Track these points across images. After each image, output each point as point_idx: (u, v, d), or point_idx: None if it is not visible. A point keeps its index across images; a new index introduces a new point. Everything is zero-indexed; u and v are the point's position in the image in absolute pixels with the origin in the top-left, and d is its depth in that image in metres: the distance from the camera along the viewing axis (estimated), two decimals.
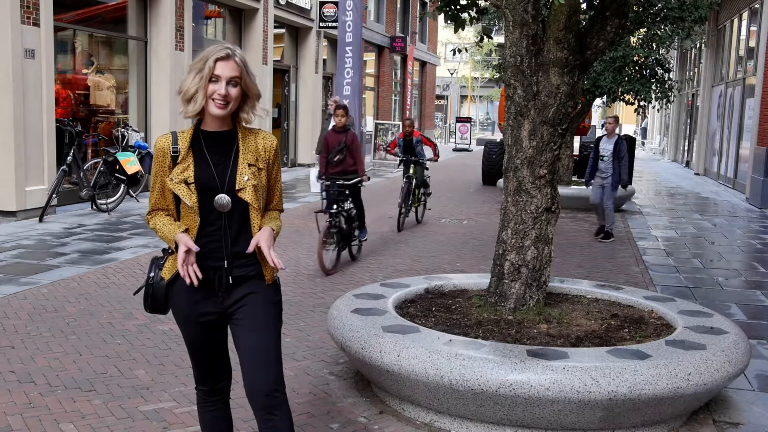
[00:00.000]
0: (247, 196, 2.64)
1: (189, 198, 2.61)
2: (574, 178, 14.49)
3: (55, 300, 5.88)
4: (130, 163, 10.47)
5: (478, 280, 5.21)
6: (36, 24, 9.66)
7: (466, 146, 30.70)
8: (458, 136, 31.13)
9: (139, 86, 12.76)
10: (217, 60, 2.57)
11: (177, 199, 2.68)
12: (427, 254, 8.29)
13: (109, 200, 10.56)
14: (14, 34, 9.25)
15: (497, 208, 11.74)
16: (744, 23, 17.01)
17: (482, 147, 19.85)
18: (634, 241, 9.60)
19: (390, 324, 4.03)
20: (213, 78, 2.57)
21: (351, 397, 4.15)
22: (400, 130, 20.64)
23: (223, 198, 2.61)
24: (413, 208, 10.50)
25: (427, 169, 10.79)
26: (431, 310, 4.59)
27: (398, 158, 10.50)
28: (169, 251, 2.76)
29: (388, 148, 10.90)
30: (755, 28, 15.44)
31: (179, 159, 2.64)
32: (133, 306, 5.78)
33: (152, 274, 2.75)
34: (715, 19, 19.65)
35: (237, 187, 2.63)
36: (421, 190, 10.67)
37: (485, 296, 4.77)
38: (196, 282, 2.58)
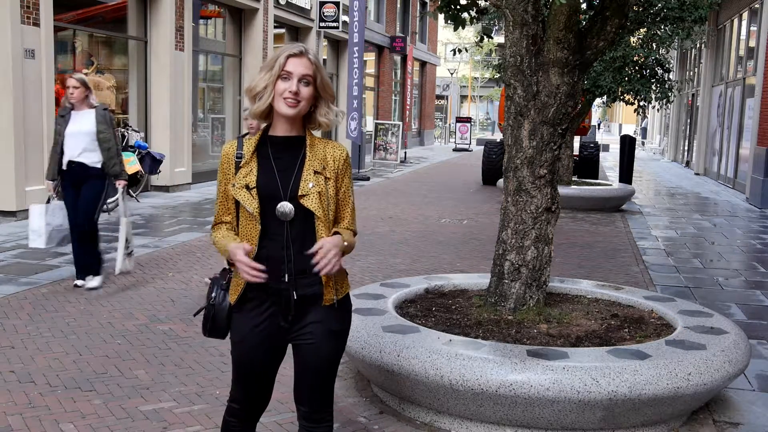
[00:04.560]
0: (311, 203, 2.44)
1: (250, 204, 2.46)
2: (574, 178, 14.50)
3: (55, 300, 5.88)
4: (130, 163, 10.47)
5: (478, 280, 5.21)
6: (36, 24, 9.66)
7: (466, 146, 30.70)
8: (458, 136, 31.13)
9: (139, 86, 12.76)
10: (288, 57, 2.42)
11: (239, 210, 2.53)
12: (427, 254, 8.29)
13: (109, 200, 10.55)
14: (14, 34, 9.25)
15: (497, 208, 11.74)
16: (744, 23, 17.01)
17: (482, 147, 19.84)
18: (634, 241, 9.60)
19: (390, 324, 4.03)
20: (284, 75, 2.42)
21: (351, 397, 4.15)
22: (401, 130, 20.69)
23: (285, 206, 2.44)
24: None
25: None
26: (431, 310, 4.59)
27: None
28: (230, 271, 2.62)
29: None
30: (755, 28, 15.45)
31: (242, 163, 2.50)
32: (132, 306, 5.78)
33: (214, 294, 2.59)
34: (715, 19, 19.65)
35: (300, 194, 2.44)
36: None
37: (485, 296, 4.77)
38: (263, 277, 2.40)
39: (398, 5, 27.95)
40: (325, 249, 2.39)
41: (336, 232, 2.50)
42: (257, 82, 2.46)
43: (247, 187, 2.48)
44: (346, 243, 2.47)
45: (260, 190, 2.47)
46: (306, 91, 2.44)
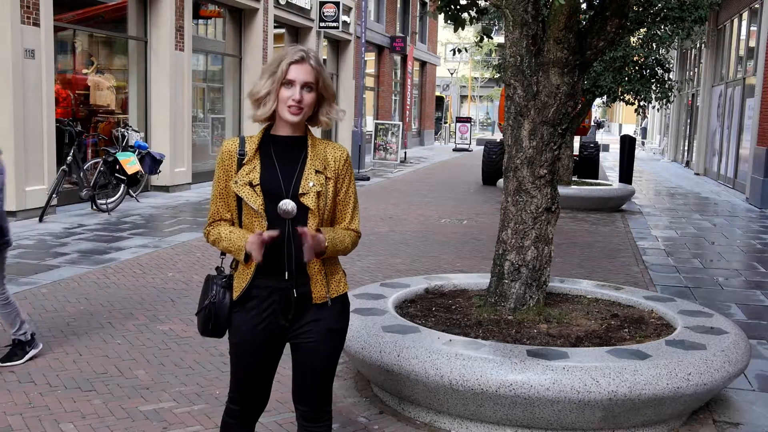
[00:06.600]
0: (309, 201, 2.48)
1: (254, 201, 2.47)
2: (574, 178, 14.49)
3: (55, 300, 5.88)
4: (130, 163, 10.47)
5: (478, 280, 5.21)
6: (36, 24, 9.65)
7: (466, 146, 30.70)
8: (458, 136, 31.12)
9: (139, 86, 12.76)
10: (291, 63, 2.44)
11: (239, 208, 2.54)
12: (427, 254, 8.29)
13: (109, 200, 10.56)
14: (14, 34, 9.24)
15: (497, 208, 11.74)
16: (744, 23, 17.01)
17: (482, 147, 19.84)
18: (634, 241, 9.60)
19: (390, 324, 4.03)
20: (286, 82, 2.45)
21: (351, 397, 4.16)
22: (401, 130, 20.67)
23: (287, 203, 2.45)
24: None
25: None
26: (431, 310, 4.59)
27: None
28: (233, 267, 2.61)
29: None
30: (755, 28, 15.44)
31: (245, 161, 2.52)
32: (133, 306, 5.78)
33: (213, 292, 2.56)
34: (715, 19, 19.65)
35: (300, 192, 2.47)
36: None
37: (485, 296, 4.77)
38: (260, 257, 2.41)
39: (398, 5, 27.94)
40: (311, 235, 2.40)
41: (318, 230, 2.49)
42: (260, 87, 2.48)
43: (251, 184, 2.49)
44: (327, 243, 2.47)
45: (264, 187, 2.49)
46: (309, 98, 2.47)
